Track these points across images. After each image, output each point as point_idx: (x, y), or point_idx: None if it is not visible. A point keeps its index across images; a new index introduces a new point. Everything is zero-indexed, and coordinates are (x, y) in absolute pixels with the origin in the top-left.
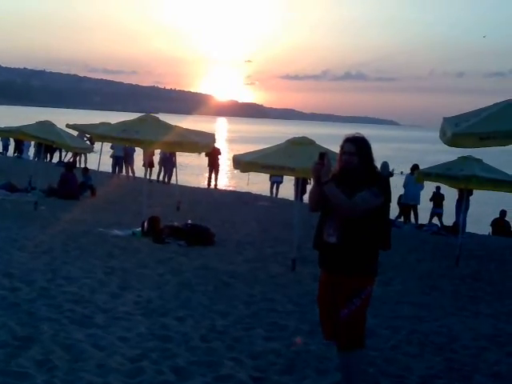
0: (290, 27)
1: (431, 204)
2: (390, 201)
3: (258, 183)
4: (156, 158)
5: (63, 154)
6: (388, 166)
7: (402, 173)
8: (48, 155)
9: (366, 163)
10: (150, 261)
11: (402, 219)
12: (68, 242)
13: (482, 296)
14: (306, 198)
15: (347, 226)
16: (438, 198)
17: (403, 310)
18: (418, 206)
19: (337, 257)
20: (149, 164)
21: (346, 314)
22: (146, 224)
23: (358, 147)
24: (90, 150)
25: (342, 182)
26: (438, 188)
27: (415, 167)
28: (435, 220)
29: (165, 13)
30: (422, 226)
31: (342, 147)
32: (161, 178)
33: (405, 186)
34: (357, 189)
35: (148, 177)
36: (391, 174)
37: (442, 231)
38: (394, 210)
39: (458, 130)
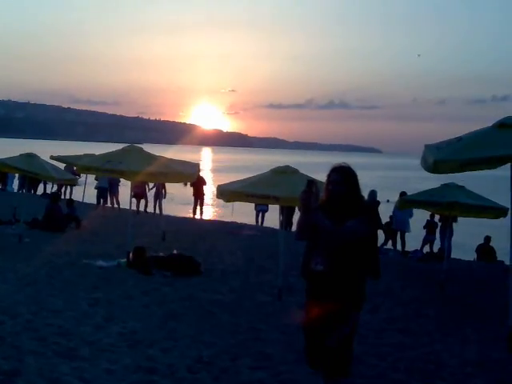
0: (273, 57)
1: (424, 231)
2: (377, 229)
3: (243, 212)
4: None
5: (48, 185)
6: (376, 194)
7: (388, 201)
8: (32, 187)
9: (353, 192)
10: (135, 292)
11: (387, 246)
12: (53, 273)
13: (468, 322)
14: (291, 226)
15: (335, 255)
16: (431, 226)
17: (389, 337)
18: (410, 233)
19: (324, 285)
20: (136, 195)
21: (334, 341)
22: (131, 255)
23: (344, 177)
24: (75, 181)
25: (330, 210)
26: (432, 216)
27: (403, 194)
28: (427, 247)
29: (149, 44)
30: (408, 252)
31: (329, 177)
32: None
33: (394, 211)
34: (344, 218)
35: (136, 208)
36: (379, 202)
37: (427, 257)
38: (379, 237)
39: (440, 157)
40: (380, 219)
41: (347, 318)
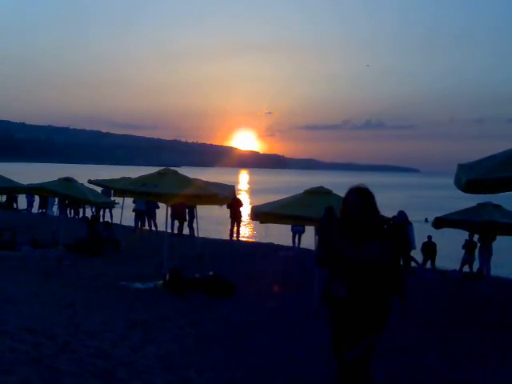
0: (309, 78)
1: (463, 251)
2: (400, 249)
3: (280, 233)
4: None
5: (87, 209)
6: (405, 214)
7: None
8: (73, 210)
9: (371, 214)
10: (171, 313)
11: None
12: (90, 296)
13: (507, 344)
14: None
15: (354, 279)
16: (470, 246)
17: (426, 360)
18: (449, 253)
19: (345, 310)
20: (177, 216)
21: (348, 356)
22: (167, 276)
23: (362, 198)
24: (112, 204)
25: (347, 232)
26: (471, 235)
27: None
28: (466, 267)
29: (185, 68)
30: (446, 272)
31: (346, 198)
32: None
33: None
34: (362, 239)
35: (176, 231)
36: (408, 222)
37: (465, 278)
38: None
39: (472, 177)
40: (409, 239)
41: (364, 338)
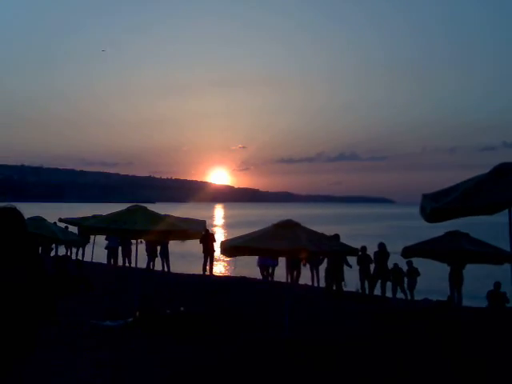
0: (282, 112)
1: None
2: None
3: (253, 267)
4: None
5: (60, 248)
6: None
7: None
8: (44, 250)
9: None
10: (141, 352)
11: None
12: (59, 335)
13: (481, 376)
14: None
15: None
16: (412, 272)
17: None
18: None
19: None
20: (151, 253)
21: None
22: (138, 314)
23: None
24: (81, 243)
25: None
26: (410, 262)
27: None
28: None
29: (159, 105)
30: (416, 302)
31: None
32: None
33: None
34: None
35: (151, 267)
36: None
37: (435, 306)
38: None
39: (436, 206)
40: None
41: None
